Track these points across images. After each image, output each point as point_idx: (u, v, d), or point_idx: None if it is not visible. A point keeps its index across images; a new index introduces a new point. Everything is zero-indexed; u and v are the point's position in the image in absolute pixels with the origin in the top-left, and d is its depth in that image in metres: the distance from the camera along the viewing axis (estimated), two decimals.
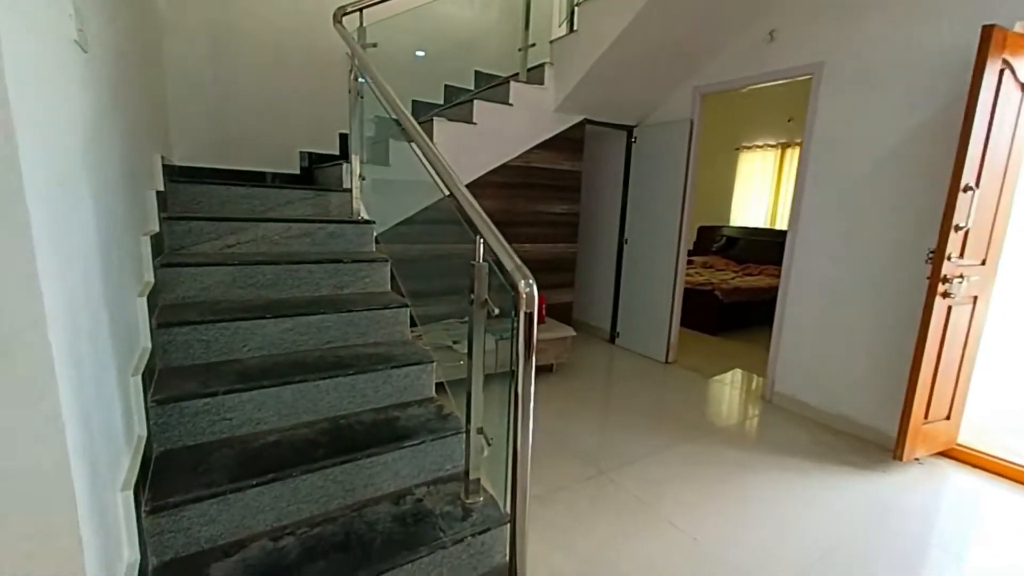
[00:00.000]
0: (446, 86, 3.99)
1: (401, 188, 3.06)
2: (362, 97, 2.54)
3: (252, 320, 1.76)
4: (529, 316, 1.17)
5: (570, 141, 3.68)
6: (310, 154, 3.57)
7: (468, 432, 1.54)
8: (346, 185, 2.77)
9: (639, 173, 4.04)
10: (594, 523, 1.99)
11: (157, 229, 1.93)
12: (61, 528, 0.76)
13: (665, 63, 3.33)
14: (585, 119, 3.71)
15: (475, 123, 3.23)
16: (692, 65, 3.46)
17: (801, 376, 3.05)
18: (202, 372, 1.59)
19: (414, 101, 3.87)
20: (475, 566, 1.43)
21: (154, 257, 1.82)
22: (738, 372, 3.85)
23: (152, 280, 1.72)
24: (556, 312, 3.84)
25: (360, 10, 2.76)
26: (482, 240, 1.42)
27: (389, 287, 2.33)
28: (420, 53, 4.50)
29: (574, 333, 3.50)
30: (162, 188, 2.16)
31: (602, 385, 3.42)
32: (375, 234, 2.99)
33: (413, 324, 3.17)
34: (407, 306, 2.11)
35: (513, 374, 1.25)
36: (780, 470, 2.43)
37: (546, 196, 3.67)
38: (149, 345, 1.51)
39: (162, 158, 2.21)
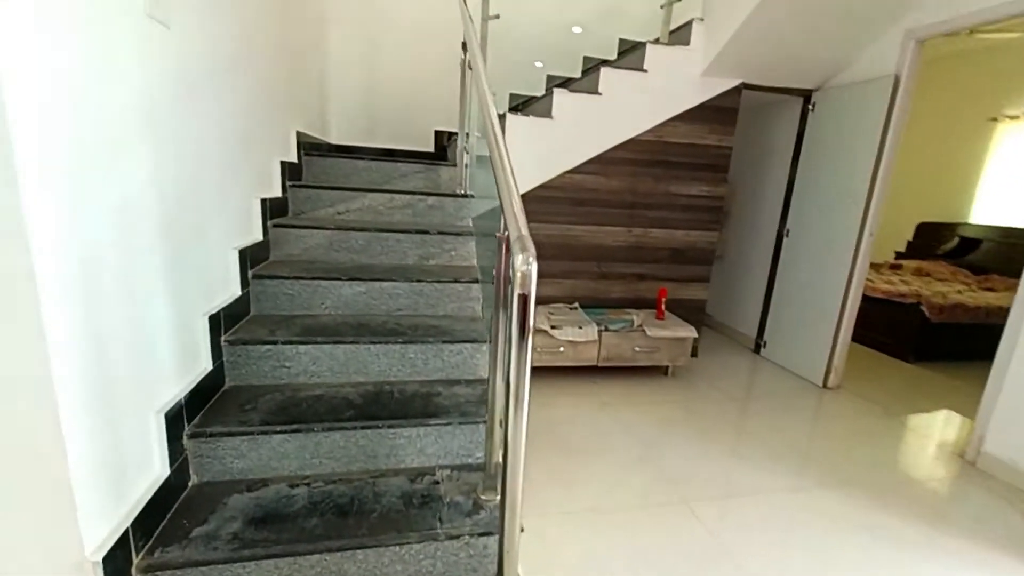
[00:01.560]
0: (585, 58, 3.75)
1: (516, 164, 2.96)
2: (471, 68, 2.50)
3: (329, 281, 1.88)
4: (523, 298, 0.96)
5: (719, 111, 3.12)
6: (446, 133, 3.72)
7: (490, 423, 1.39)
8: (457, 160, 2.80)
9: (814, 149, 3.24)
10: (650, 556, 1.66)
11: (279, 194, 2.20)
12: (42, 431, 0.88)
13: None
14: (742, 83, 3.10)
15: (600, 93, 2.95)
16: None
17: None
18: (280, 322, 1.76)
19: (549, 76, 3.73)
20: (475, 568, 1.30)
21: (274, 217, 2.10)
22: (936, 415, 2.87)
23: (260, 237, 1.96)
24: (683, 309, 3.36)
25: None
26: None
27: (475, 262, 2.28)
28: (577, 29, 4.33)
29: (695, 335, 3.01)
30: (295, 160, 2.46)
31: (725, 399, 2.88)
32: (483, 210, 2.98)
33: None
34: (478, 281, 2.03)
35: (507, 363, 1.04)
36: (964, 563, 1.71)
37: (681, 175, 3.20)
38: (238, 292, 1.72)
39: (299, 134, 2.51)
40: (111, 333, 1.04)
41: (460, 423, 1.52)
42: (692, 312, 3.42)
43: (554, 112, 2.93)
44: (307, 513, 1.28)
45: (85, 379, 0.96)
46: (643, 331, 2.94)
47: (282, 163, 2.23)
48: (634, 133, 3.06)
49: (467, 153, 2.60)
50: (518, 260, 0.97)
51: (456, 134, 3.31)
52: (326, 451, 1.44)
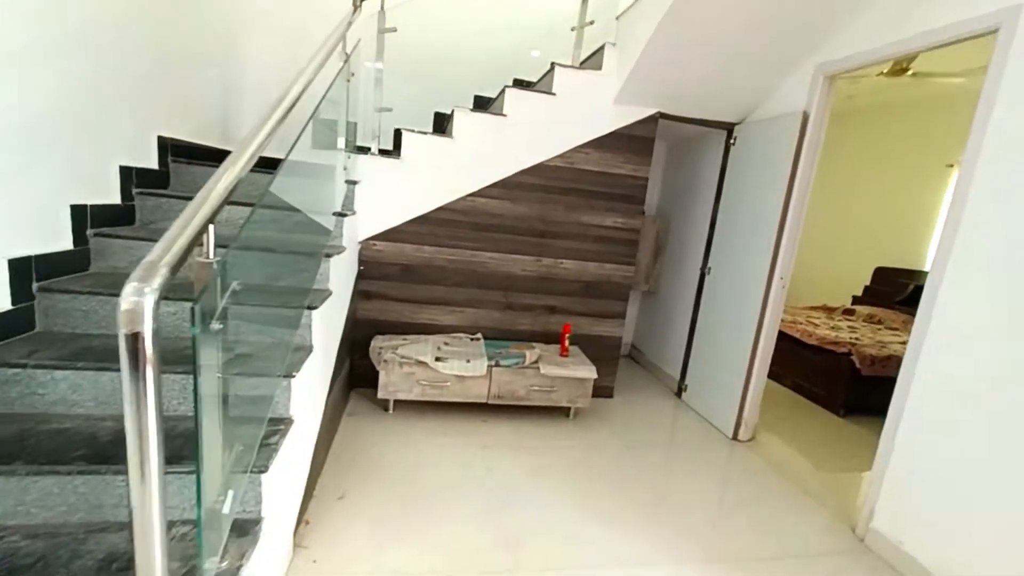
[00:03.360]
0: (515, 80, 3.65)
1: (413, 184, 2.82)
2: (348, 81, 2.38)
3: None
4: (130, 338, 0.78)
5: (634, 140, 3.00)
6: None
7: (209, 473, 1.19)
8: (344, 177, 2.64)
9: (733, 186, 3.10)
10: None
11: (117, 202, 2.05)
12: None
13: (769, 30, 2.42)
14: (658, 113, 2.98)
15: (505, 115, 2.83)
16: (814, 33, 2.47)
17: (920, 514, 1.88)
18: (61, 341, 1.57)
19: (476, 96, 3.63)
20: None
21: (110, 225, 1.95)
22: (846, 478, 2.65)
23: (69, 246, 1.79)
24: (596, 347, 3.18)
25: None
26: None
27: (329, 285, 2.10)
28: (535, 53, 4.26)
29: (594, 375, 2.81)
30: (155, 166, 2.32)
31: (620, 449, 2.66)
32: (373, 230, 2.82)
33: (384, 332, 2.93)
34: (313, 308, 1.85)
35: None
36: None
37: (594, 205, 3.05)
38: (8, 306, 1.53)
39: (165, 139, 2.36)
40: None
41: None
42: (606, 350, 3.23)
43: (455, 132, 2.81)
44: None
45: None
46: (537, 369, 2.74)
47: (124, 168, 2.08)
48: (542, 158, 2.92)
49: (344, 170, 2.45)
50: (125, 291, 0.79)
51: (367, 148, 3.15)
52: (35, 499, 1.23)
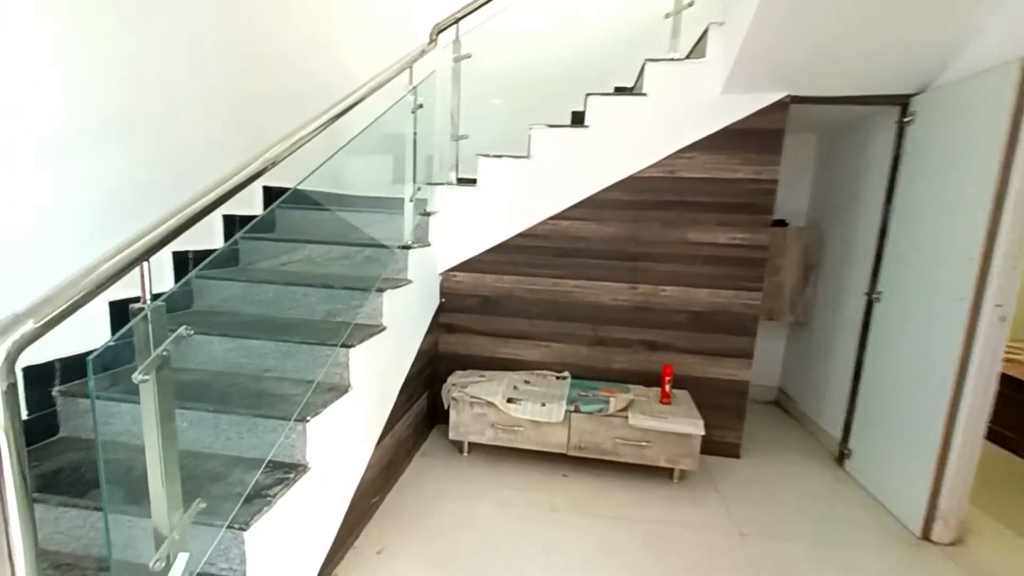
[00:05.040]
0: (616, 88, 3.29)
1: (491, 211, 2.67)
2: (414, 112, 2.34)
3: (200, 335, 1.85)
4: None
5: (754, 135, 2.39)
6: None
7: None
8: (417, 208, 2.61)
9: (912, 180, 2.24)
10: None
11: (221, 245, 2.32)
12: None
13: None
14: (788, 97, 2.33)
15: (587, 126, 2.52)
16: None
17: None
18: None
19: (573, 112, 3.36)
20: None
21: (213, 267, 2.24)
22: None
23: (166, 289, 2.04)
24: (716, 392, 2.57)
25: (456, 22, 2.56)
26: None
27: (382, 320, 2.04)
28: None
29: (701, 431, 2.22)
30: (260, 212, 2.58)
31: (732, 536, 2.02)
32: (459, 261, 2.75)
33: (466, 366, 2.74)
34: (348, 346, 1.78)
35: None
36: None
37: (702, 219, 2.50)
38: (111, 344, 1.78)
39: (268, 189, 2.63)
40: None
41: (198, 523, 1.27)
42: (729, 397, 2.59)
43: (532, 151, 2.59)
44: None
45: None
46: (625, 418, 2.29)
47: (228, 217, 2.35)
48: (633, 170, 2.51)
49: (411, 202, 2.40)
50: None
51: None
52: (66, 529, 1.33)
